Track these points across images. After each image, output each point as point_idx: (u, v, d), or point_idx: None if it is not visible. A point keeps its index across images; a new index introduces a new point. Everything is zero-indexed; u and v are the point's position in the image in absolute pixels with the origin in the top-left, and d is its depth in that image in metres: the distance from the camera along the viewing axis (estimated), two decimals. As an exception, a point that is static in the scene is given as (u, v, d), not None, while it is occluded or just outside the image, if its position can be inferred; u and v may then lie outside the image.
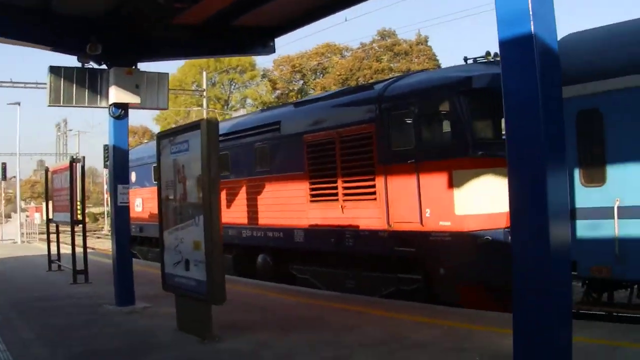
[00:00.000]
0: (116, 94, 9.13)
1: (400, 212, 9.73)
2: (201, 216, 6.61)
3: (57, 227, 15.43)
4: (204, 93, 33.02)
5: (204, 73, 34.25)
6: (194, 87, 41.21)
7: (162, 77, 10.25)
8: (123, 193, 9.26)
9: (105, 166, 30.65)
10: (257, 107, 46.84)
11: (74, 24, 9.22)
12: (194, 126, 6.81)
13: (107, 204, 52.72)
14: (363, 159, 10.30)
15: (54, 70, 9.36)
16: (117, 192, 9.22)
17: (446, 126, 9.43)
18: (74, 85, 9.47)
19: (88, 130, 43.85)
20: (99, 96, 9.67)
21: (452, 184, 9.06)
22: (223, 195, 13.53)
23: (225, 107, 51.07)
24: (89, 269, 12.53)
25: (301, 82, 57.36)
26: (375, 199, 10.09)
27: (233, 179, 13.50)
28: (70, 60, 9.82)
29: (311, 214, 11.39)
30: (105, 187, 49.60)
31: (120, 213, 9.28)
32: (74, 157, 12.71)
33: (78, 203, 12.97)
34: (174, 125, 58.33)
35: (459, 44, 75.48)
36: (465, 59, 10.26)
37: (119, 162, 9.32)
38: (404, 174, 9.65)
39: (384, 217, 9.94)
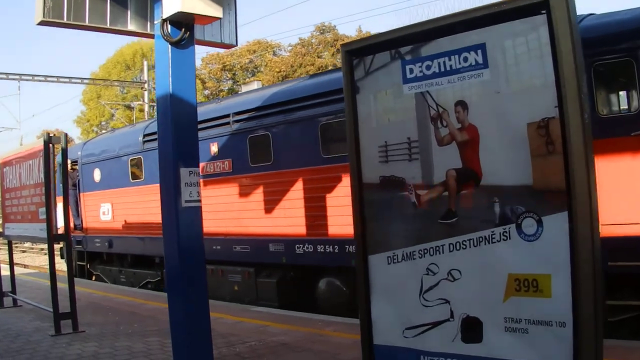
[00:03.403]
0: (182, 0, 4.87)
1: (615, 207, 6.13)
2: (539, 218, 2.68)
3: (10, 244, 10.40)
4: (146, 85, 28.01)
5: (145, 62, 29.14)
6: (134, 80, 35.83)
7: (227, -6, 6.10)
8: (191, 184, 5.00)
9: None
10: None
11: None
12: (522, 7, 2.80)
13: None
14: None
15: (52, -40, 5.02)
16: (181, 180, 4.95)
17: None
18: (87, -10, 5.18)
19: (15, 127, 36.79)
20: (128, 12, 5.41)
21: None
22: (260, 191, 9.49)
23: (153, 107, 46.05)
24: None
25: (231, 81, 53.59)
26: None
27: (279, 170, 9.37)
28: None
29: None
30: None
31: (187, 219, 5.01)
32: (50, 134, 8.03)
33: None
34: (95, 129, 52.45)
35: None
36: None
37: (182, 125, 5.04)
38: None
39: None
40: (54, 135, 8.20)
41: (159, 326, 7.82)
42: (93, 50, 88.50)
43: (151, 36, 5.51)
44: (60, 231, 8.89)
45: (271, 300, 9.43)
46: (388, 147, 3.33)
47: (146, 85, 28.02)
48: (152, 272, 12.77)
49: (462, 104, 2.99)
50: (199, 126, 10.80)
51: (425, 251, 3.12)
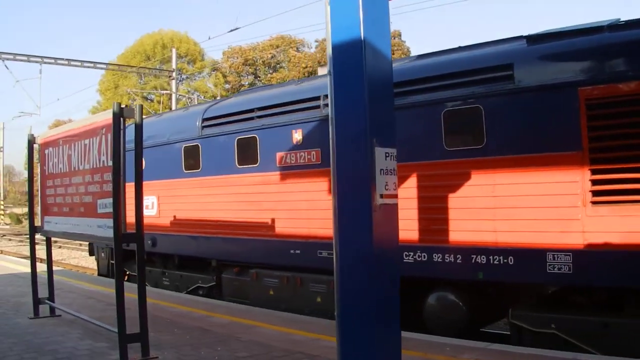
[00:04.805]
0: None
1: None
2: None
3: (49, 241, 8.65)
4: (173, 74, 26.52)
5: (174, 50, 27.65)
6: (159, 67, 34.34)
7: None
8: (388, 170, 3.58)
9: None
10: (204, 101, 41.26)
11: None
12: None
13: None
14: None
15: None
16: (376, 165, 3.54)
17: None
18: None
19: (34, 112, 35.45)
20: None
21: None
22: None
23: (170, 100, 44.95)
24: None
25: (252, 76, 52.44)
26: None
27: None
28: None
29: (593, 226, 6.18)
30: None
31: (382, 222, 3.57)
32: (123, 105, 6.47)
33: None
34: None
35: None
36: None
37: (378, 86, 3.60)
38: None
39: None
40: (127, 106, 6.67)
41: (250, 351, 6.38)
42: (112, 40, 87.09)
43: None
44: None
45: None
46: None
47: (174, 74, 26.59)
48: (204, 276, 11.33)
49: None
50: (277, 110, 9.52)
51: None
